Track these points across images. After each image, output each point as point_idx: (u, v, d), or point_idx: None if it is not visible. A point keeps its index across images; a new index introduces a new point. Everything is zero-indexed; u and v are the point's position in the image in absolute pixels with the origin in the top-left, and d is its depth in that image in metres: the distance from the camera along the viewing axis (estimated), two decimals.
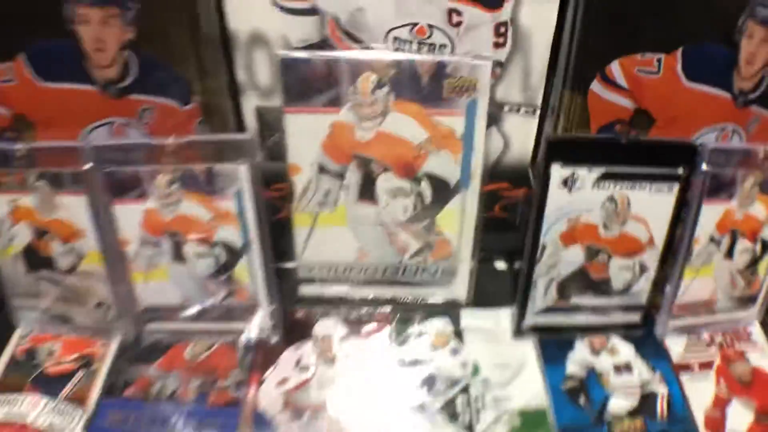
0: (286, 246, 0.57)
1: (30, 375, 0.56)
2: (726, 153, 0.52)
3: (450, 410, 0.52)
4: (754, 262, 0.58)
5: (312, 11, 0.49)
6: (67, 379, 0.56)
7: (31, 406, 0.53)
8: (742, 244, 0.57)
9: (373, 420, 0.51)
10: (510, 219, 0.61)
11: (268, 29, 0.50)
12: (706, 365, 0.58)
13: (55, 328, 0.59)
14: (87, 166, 0.50)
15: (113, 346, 0.58)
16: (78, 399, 0.54)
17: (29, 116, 0.52)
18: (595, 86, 0.51)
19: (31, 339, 0.59)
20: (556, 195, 0.51)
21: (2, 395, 0.54)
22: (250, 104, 0.54)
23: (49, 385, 0.55)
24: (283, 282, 0.57)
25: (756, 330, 0.62)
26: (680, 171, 0.51)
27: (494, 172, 0.57)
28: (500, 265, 0.64)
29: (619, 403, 0.54)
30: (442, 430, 0.51)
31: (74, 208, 0.52)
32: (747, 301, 0.61)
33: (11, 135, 0.53)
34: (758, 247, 0.58)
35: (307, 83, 0.49)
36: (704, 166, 0.51)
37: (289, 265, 0.59)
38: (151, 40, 0.47)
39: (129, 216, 0.52)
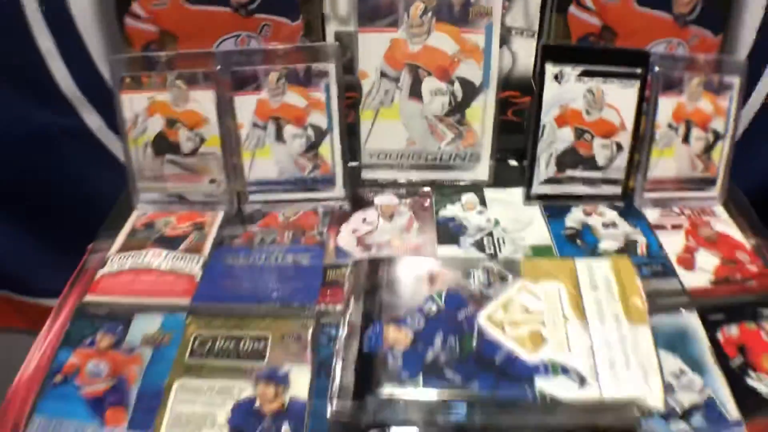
0: (352, 146, 0.83)
1: (151, 239, 0.80)
2: (673, 58, 0.80)
3: (479, 245, 0.77)
4: (708, 149, 0.85)
5: None
6: (183, 239, 0.80)
7: (155, 257, 0.77)
8: (696, 132, 0.84)
9: (423, 252, 0.76)
10: (519, 123, 0.88)
11: None
12: (677, 227, 0.83)
13: (169, 207, 0.84)
14: (217, 68, 0.77)
15: (220, 216, 0.83)
16: (194, 250, 0.79)
17: (174, 32, 0.80)
18: (573, 9, 0.80)
19: (149, 216, 0.84)
20: (549, 87, 0.79)
21: (127, 252, 0.78)
22: (331, 29, 0.82)
23: (169, 243, 0.79)
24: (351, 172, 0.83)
25: (719, 210, 0.87)
26: (639, 71, 0.79)
27: (506, 84, 0.85)
28: (512, 162, 0.91)
29: (608, 244, 0.79)
30: (475, 254, 0.76)
31: (203, 101, 0.79)
32: (708, 182, 0.87)
33: (155, 47, 0.80)
34: (710, 136, 0.85)
35: (375, 10, 0.77)
36: (656, 68, 0.79)
37: (354, 163, 0.85)
38: None
39: (245, 105, 0.79)
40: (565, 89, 0.79)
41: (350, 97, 0.82)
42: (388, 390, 0.47)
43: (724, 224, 0.84)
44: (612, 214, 0.84)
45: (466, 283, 0.56)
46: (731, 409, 0.62)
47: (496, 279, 0.56)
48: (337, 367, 0.50)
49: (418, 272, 0.59)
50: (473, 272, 0.57)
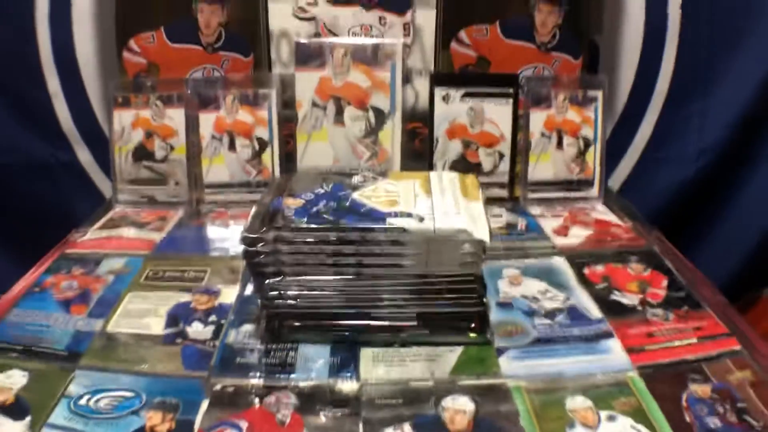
0: (292, 165, 1.18)
1: (123, 224, 1.13)
2: (539, 79, 1.18)
3: None
4: (581, 154, 1.18)
5: (312, 19, 1.19)
6: (150, 224, 1.12)
7: (125, 230, 1.10)
8: (568, 140, 1.18)
9: None
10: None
11: (289, 28, 1.20)
12: (557, 216, 1.13)
13: (142, 207, 1.17)
14: (187, 91, 1.15)
15: (180, 212, 1.15)
16: (157, 229, 1.10)
17: (158, 63, 1.21)
18: (454, 45, 1.20)
19: (124, 212, 1.17)
20: (439, 107, 1.15)
21: (103, 229, 1.11)
22: (276, 71, 1.21)
23: (138, 225, 1.12)
24: None
25: (600, 207, 1.18)
26: (510, 90, 1.16)
27: (412, 117, 1.21)
28: None
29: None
30: None
31: (175, 117, 1.16)
32: (586, 183, 1.19)
33: (143, 74, 1.20)
34: (581, 143, 1.18)
35: (309, 55, 1.17)
36: (525, 87, 1.16)
37: None
38: (235, 23, 1.19)
39: (207, 121, 1.15)
40: (452, 108, 1.16)
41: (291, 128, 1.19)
42: (281, 223, 0.76)
43: (602, 214, 1.15)
44: (500, 210, 1.14)
45: (348, 180, 0.86)
46: (594, 312, 0.85)
47: (369, 178, 0.86)
48: (249, 219, 0.78)
49: (314, 176, 0.90)
50: (355, 175, 0.87)
